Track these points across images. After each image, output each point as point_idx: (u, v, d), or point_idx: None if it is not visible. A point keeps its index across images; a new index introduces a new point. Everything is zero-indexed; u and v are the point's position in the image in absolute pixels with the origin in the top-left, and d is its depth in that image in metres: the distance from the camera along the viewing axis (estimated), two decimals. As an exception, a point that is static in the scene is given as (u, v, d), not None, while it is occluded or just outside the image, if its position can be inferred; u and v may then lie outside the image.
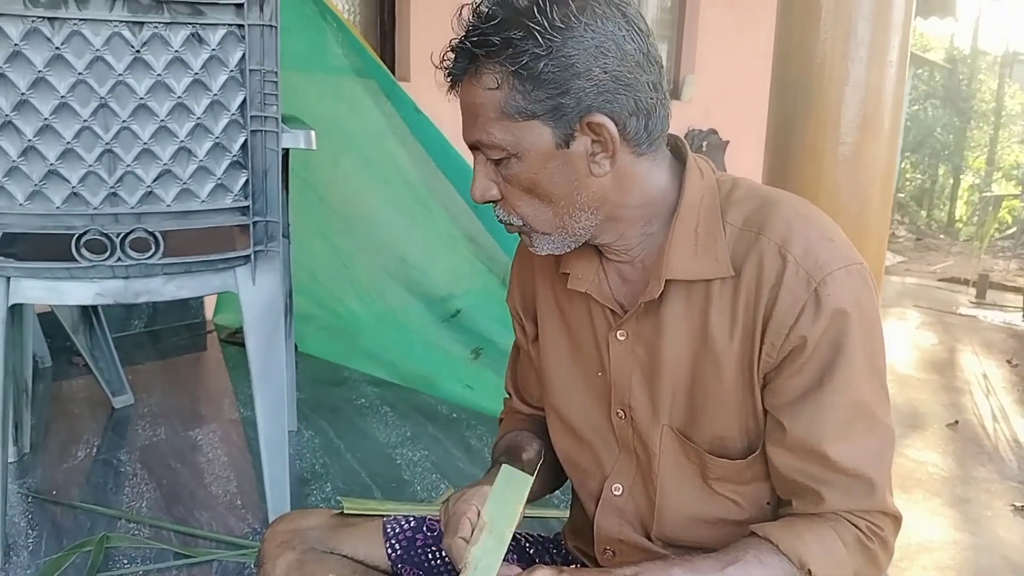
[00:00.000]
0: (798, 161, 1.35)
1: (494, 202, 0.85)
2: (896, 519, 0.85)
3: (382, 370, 2.45)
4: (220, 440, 2.05)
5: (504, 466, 0.82)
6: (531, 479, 0.79)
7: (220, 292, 1.58)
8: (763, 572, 0.80)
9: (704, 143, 5.02)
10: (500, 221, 0.86)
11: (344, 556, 1.15)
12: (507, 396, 1.20)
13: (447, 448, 2.00)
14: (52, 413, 2.20)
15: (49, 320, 2.34)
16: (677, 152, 0.90)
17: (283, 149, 1.54)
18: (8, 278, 1.43)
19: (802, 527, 0.82)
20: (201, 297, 3.04)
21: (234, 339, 2.84)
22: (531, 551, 1.12)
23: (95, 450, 1.99)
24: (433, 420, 2.17)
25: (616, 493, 0.96)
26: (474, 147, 0.83)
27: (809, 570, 0.79)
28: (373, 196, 2.35)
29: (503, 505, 0.79)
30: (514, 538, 1.16)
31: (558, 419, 1.02)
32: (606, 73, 0.77)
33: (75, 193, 1.37)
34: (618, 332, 0.91)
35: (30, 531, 1.61)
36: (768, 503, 0.90)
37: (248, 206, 1.51)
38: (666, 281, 0.85)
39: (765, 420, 0.85)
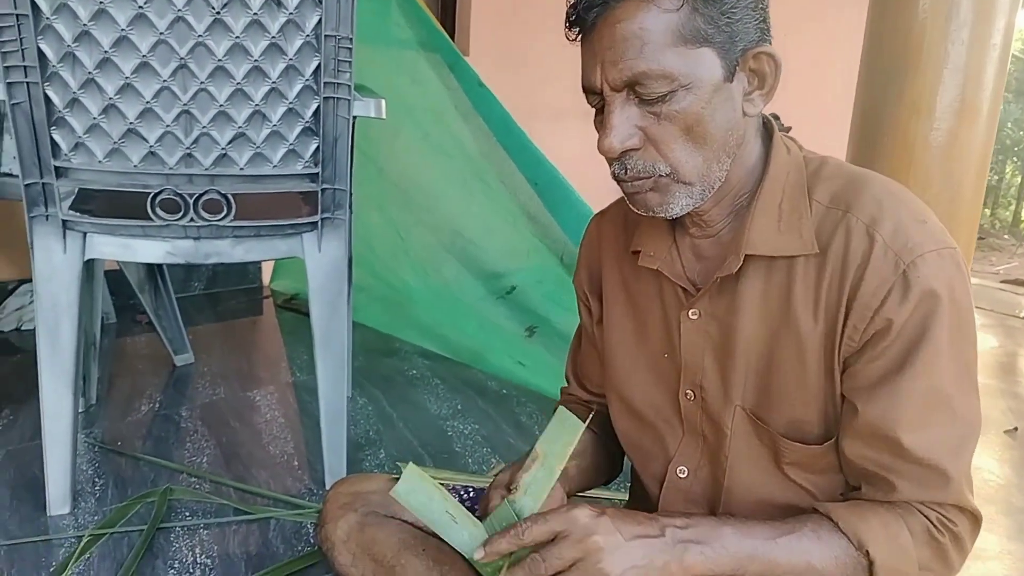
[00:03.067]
0: (887, 145, 1.30)
1: (625, 154, 0.79)
2: (975, 517, 0.82)
3: (433, 343, 2.47)
4: (277, 402, 2.09)
5: (560, 408, 0.84)
6: (583, 425, 0.82)
7: (286, 257, 1.60)
8: (818, 547, 0.79)
9: (764, 130, 4.92)
10: (630, 178, 0.81)
11: (404, 522, 1.18)
12: (565, 384, 1.20)
13: (497, 423, 2.01)
14: (117, 368, 2.27)
15: (115, 278, 2.41)
16: (764, 129, 0.88)
17: (352, 117, 1.55)
18: (85, 233, 1.47)
19: (868, 510, 0.80)
20: (259, 263, 3.10)
21: (290, 305, 2.89)
22: None
23: (157, 405, 2.04)
24: (483, 395, 2.18)
25: (681, 476, 0.96)
26: (626, 85, 0.77)
27: (868, 551, 0.77)
28: (432, 169, 2.35)
29: (555, 444, 0.82)
30: None
31: (620, 402, 1.01)
32: (763, 10, 0.78)
33: (152, 152, 1.40)
34: (690, 311, 0.89)
35: (97, 479, 1.66)
36: (842, 494, 0.88)
37: (317, 173, 1.52)
38: (745, 257, 0.83)
39: (843, 405, 0.83)
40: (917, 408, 0.77)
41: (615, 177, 0.83)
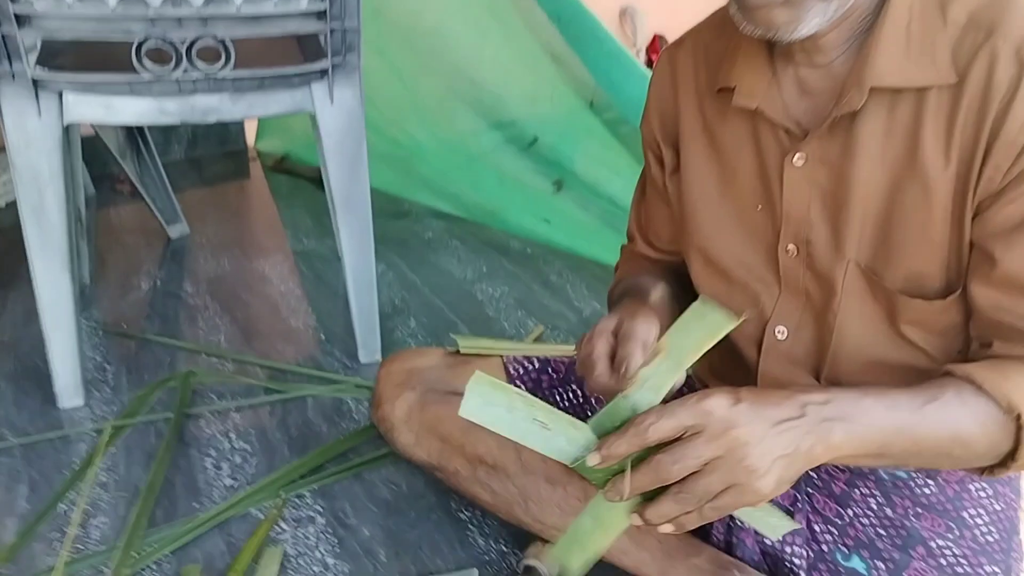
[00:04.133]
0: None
1: None
2: None
3: (445, 202, 2.30)
4: (288, 272, 1.94)
5: (702, 298, 0.70)
6: (735, 321, 0.68)
7: (293, 112, 1.41)
8: (964, 414, 0.69)
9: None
10: None
11: (468, 398, 1.08)
12: (627, 242, 1.09)
13: (527, 284, 1.89)
14: (106, 243, 2.08)
15: (89, 144, 2.16)
16: None
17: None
18: (60, 93, 1.26)
19: (1009, 368, 0.71)
20: (242, 122, 2.86)
21: (281, 167, 2.68)
22: None
23: (158, 282, 1.89)
24: (507, 255, 2.04)
25: (780, 337, 0.86)
26: None
27: (1019, 415, 0.69)
28: (437, 6, 2.08)
29: (688, 337, 0.69)
30: None
31: (703, 260, 0.90)
32: None
33: (131, -10, 1.18)
34: (795, 156, 0.77)
35: (106, 366, 1.53)
36: (959, 352, 0.79)
37: (324, 10, 1.31)
38: (868, 90, 0.70)
39: (970, 255, 0.72)
40: None
41: None
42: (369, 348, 1.55)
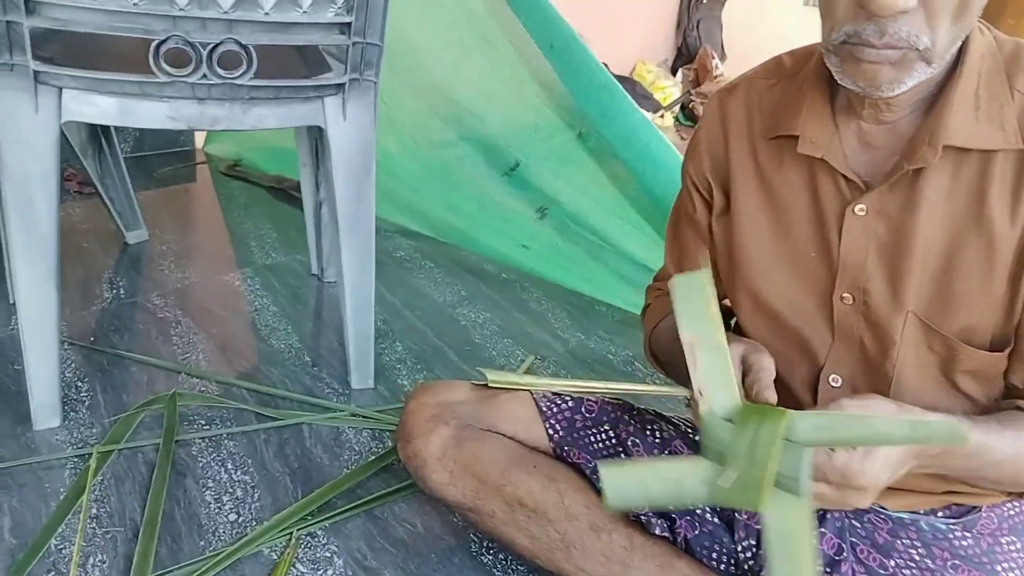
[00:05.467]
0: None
1: (892, 16, 0.67)
2: None
3: (413, 220, 2.25)
4: (262, 287, 1.85)
5: (676, 276, 0.75)
6: (707, 275, 0.72)
7: (305, 125, 1.35)
8: None
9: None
10: (883, 46, 0.68)
11: (505, 436, 1.07)
12: (654, 282, 1.10)
13: (509, 312, 1.87)
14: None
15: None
16: None
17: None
18: (60, 89, 1.17)
19: None
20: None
21: (235, 172, 2.57)
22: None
23: (122, 292, 1.76)
24: (484, 280, 2.02)
25: (834, 385, 0.89)
26: None
27: None
28: (420, 24, 2.05)
29: (692, 317, 0.73)
30: (678, 428, 1.08)
31: (752, 302, 0.92)
32: None
33: (156, -13, 1.10)
34: (856, 206, 0.80)
35: (79, 384, 1.42)
36: (996, 400, 0.84)
37: (349, 23, 1.27)
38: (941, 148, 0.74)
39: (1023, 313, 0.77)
40: None
41: (852, 40, 0.70)
42: (362, 373, 1.50)
